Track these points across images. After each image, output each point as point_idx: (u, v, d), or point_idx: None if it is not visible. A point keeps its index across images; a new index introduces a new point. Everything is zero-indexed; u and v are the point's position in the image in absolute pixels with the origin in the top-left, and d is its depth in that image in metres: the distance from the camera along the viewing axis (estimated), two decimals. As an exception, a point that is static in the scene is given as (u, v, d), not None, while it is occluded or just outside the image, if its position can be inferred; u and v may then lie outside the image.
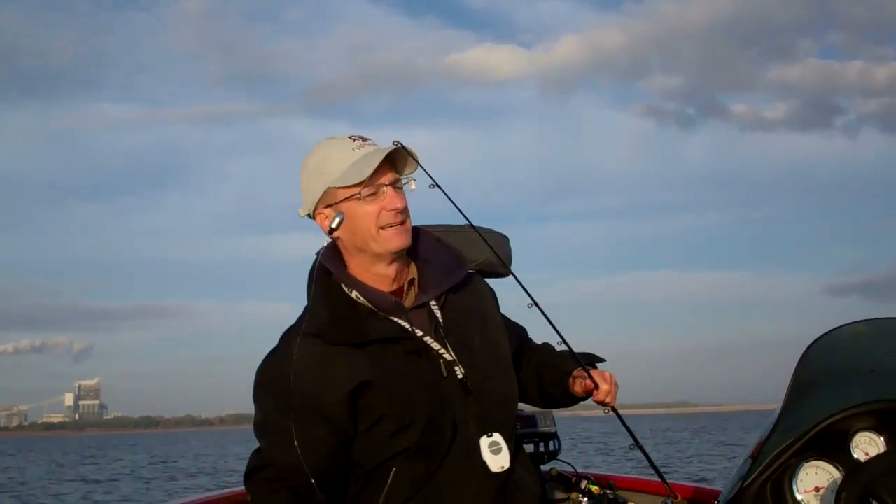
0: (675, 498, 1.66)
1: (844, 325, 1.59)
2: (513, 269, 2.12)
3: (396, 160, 1.49)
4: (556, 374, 1.69)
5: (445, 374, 1.47)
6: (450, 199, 1.65)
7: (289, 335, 1.53)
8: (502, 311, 1.72)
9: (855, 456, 1.48)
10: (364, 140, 1.48)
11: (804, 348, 1.58)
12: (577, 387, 1.62)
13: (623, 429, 1.59)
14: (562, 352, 1.72)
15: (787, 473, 1.48)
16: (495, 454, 1.46)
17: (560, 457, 2.43)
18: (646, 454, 1.61)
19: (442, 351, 1.48)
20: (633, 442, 1.63)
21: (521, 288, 1.65)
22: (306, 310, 1.54)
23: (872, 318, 1.58)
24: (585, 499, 2.10)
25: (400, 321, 1.48)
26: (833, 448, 1.48)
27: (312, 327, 1.48)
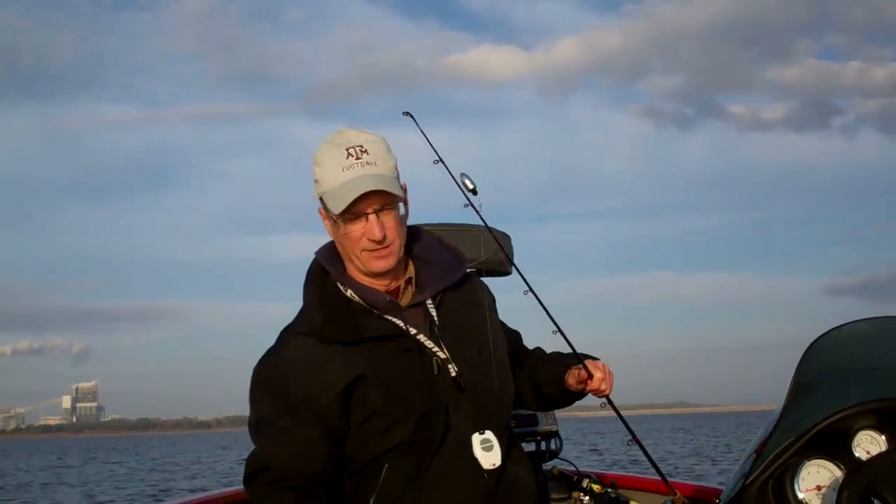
0: (675, 495, 1.67)
1: (846, 323, 1.59)
2: (512, 267, 2.12)
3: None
4: (549, 373, 1.69)
5: (437, 372, 1.47)
6: (451, 173, 1.67)
7: (284, 334, 1.53)
8: (502, 309, 1.72)
9: (856, 454, 1.48)
10: (359, 156, 1.45)
11: (804, 348, 1.58)
12: (571, 379, 1.62)
13: (621, 428, 1.59)
14: (554, 353, 1.73)
15: (788, 472, 1.48)
16: (487, 451, 1.46)
17: (561, 455, 2.44)
18: (643, 449, 1.62)
19: (435, 349, 1.49)
20: (630, 437, 1.64)
21: (520, 284, 1.66)
22: (300, 310, 1.55)
23: (876, 316, 1.58)
24: (587, 497, 2.11)
25: (394, 319, 1.49)
26: (834, 446, 1.48)
27: (306, 326, 1.49)
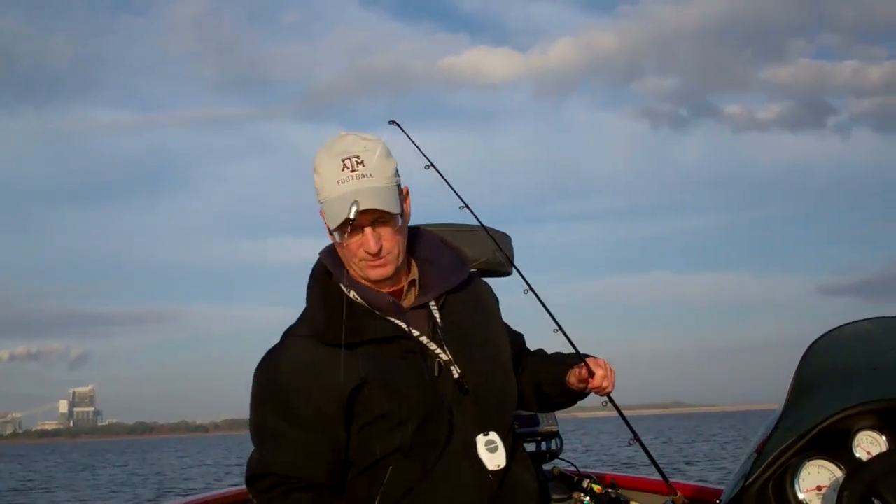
0: (676, 495, 1.67)
1: (847, 323, 1.59)
2: (513, 267, 2.13)
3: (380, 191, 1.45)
4: (551, 373, 1.69)
5: (437, 374, 1.47)
6: (444, 178, 1.67)
7: (286, 336, 1.53)
8: (503, 309, 1.72)
9: (857, 455, 1.48)
10: (355, 168, 1.42)
11: (803, 347, 1.58)
12: (573, 378, 1.62)
13: (621, 427, 1.60)
14: (555, 354, 1.73)
15: (788, 472, 1.48)
16: (492, 452, 1.46)
17: (561, 456, 2.44)
18: (645, 449, 1.62)
19: (438, 351, 1.49)
20: (632, 437, 1.64)
21: (520, 284, 1.67)
22: (303, 311, 1.54)
23: (877, 316, 1.58)
24: (588, 498, 2.11)
25: (397, 321, 1.48)
26: (835, 447, 1.47)
27: (308, 328, 1.49)
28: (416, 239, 1.58)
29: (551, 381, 1.69)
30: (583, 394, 1.67)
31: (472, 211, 1.76)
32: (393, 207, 1.43)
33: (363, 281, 1.51)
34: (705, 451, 23.29)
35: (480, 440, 1.47)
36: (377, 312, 1.49)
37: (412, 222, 1.57)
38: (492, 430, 1.48)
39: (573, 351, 1.67)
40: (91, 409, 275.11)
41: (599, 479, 2.24)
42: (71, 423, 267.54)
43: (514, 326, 1.77)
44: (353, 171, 1.42)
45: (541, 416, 2.33)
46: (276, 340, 1.54)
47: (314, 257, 1.59)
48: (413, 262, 1.57)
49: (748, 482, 1.49)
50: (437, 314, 1.53)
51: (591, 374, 1.58)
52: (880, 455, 1.43)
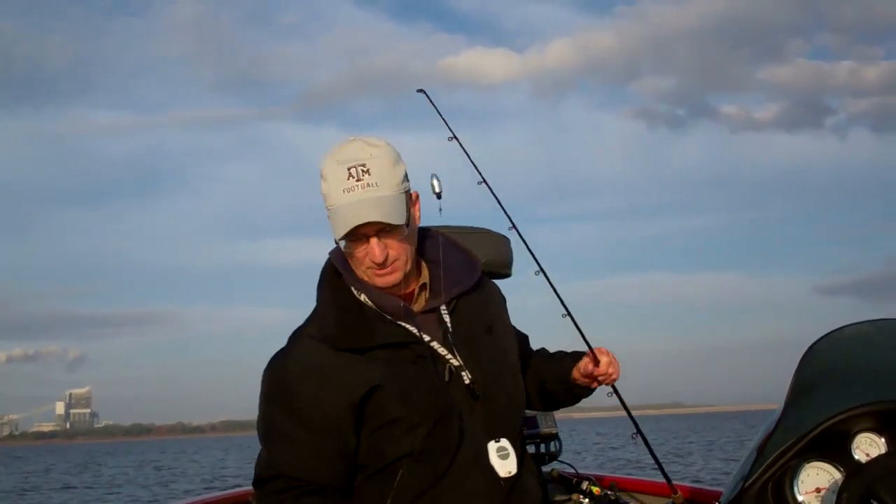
0: (675, 493, 1.67)
1: (847, 325, 1.59)
2: (512, 269, 2.13)
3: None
4: (555, 371, 1.69)
5: (448, 379, 1.46)
6: (465, 152, 1.72)
7: (296, 337, 1.51)
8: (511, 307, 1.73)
9: (856, 457, 1.47)
10: (360, 177, 1.40)
11: (801, 348, 1.58)
12: (577, 372, 1.62)
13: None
14: (558, 353, 1.74)
15: (788, 474, 1.48)
16: (503, 459, 1.46)
17: (560, 458, 2.44)
18: (647, 443, 1.62)
19: (449, 356, 1.48)
20: (635, 431, 1.65)
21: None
22: (312, 311, 1.53)
23: (876, 318, 1.59)
24: (587, 500, 2.11)
25: (408, 326, 1.47)
26: (834, 449, 1.47)
27: (319, 331, 1.47)
28: (427, 241, 1.57)
29: (556, 378, 1.69)
30: (588, 390, 1.67)
31: (489, 186, 1.78)
32: (398, 218, 1.41)
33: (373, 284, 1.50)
34: (704, 452, 23.30)
35: (492, 447, 1.46)
36: (388, 317, 1.48)
37: (425, 222, 1.56)
38: (503, 437, 1.48)
39: (575, 351, 1.68)
40: (87, 410, 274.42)
41: (599, 480, 2.24)
42: (67, 425, 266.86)
43: (523, 312, 1.76)
44: (358, 180, 1.40)
45: (540, 418, 2.33)
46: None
47: (312, 258, 1.59)
48: (423, 265, 1.55)
49: (747, 483, 1.48)
50: (447, 318, 1.52)
51: (597, 362, 1.59)
52: (879, 457, 1.43)
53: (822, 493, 1.45)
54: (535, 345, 1.80)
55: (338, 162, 1.43)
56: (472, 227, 1.92)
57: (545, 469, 2.36)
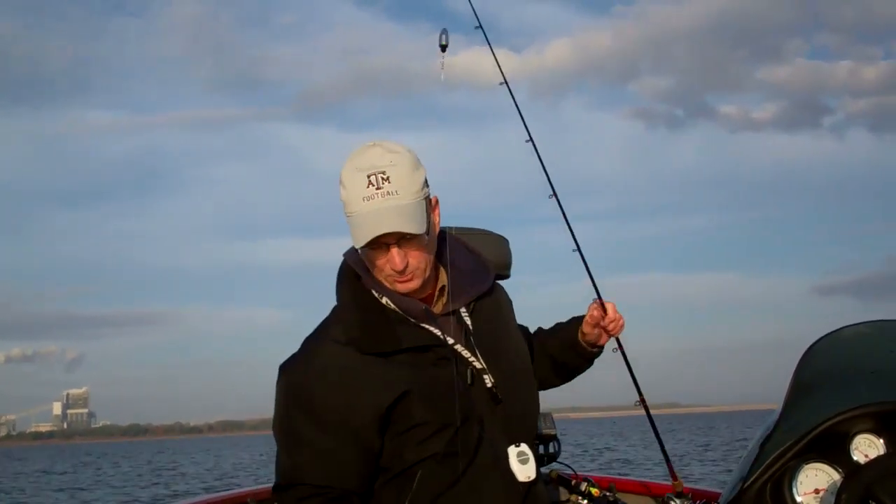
0: (675, 479, 1.67)
1: (846, 326, 1.59)
2: (512, 269, 2.14)
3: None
4: (561, 339, 1.71)
5: (471, 382, 1.46)
6: (514, 98, 1.79)
7: (317, 340, 1.50)
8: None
9: (855, 458, 1.47)
10: (380, 185, 1.38)
11: (799, 348, 1.58)
12: (586, 326, 1.66)
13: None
14: (556, 325, 1.77)
15: (786, 475, 1.48)
16: (523, 464, 1.46)
17: (559, 459, 2.44)
18: (648, 413, 1.64)
19: (472, 359, 1.48)
20: (638, 398, 1.67)
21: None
22: (333, 312, 1.52)
23: (875, 319, 1.59)
24: (586, 501, 2.11)
25: (431, 328, 1.47)
26: (833, 450, 1.47)
27: (342, 334, 1.46)
28: (444, 244, 1.56)
29: (564, 346, 1.71)
30: (598, 347, 1.70)
31: (535, 146, 1.82)
32: (418, 227, 1.40)
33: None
34: (701, 453, 23.31)
35: (512, 451, 1.46)
36: (411, 319, 1.47)
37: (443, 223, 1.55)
38: (522, 442, 1.48)
39: (572, 317, 1.72)
40: (85, 410, 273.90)
41: (598, 482, 2.24)
42: (65, 425, 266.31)
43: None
44: (378, 188, 1.39)
45: (539, 419, 2.33)
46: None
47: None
48: (440, 268, 1.55)
49: (746, 485, 1.48)
50: (468, 320, 1.52)
51: (605, 310, 1.63)
52: (878, 458, 1.43)
53: (821, 493, 1.45)
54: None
55: (357, 169, 1.41)
56: (471, 228, 1.92)
57: (544, 470, 2.36)
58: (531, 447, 1.49)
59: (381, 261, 1.43)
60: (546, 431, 2.36)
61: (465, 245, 1.61)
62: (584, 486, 2.14)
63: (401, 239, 1.40)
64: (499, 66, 1.85)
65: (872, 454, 1.47)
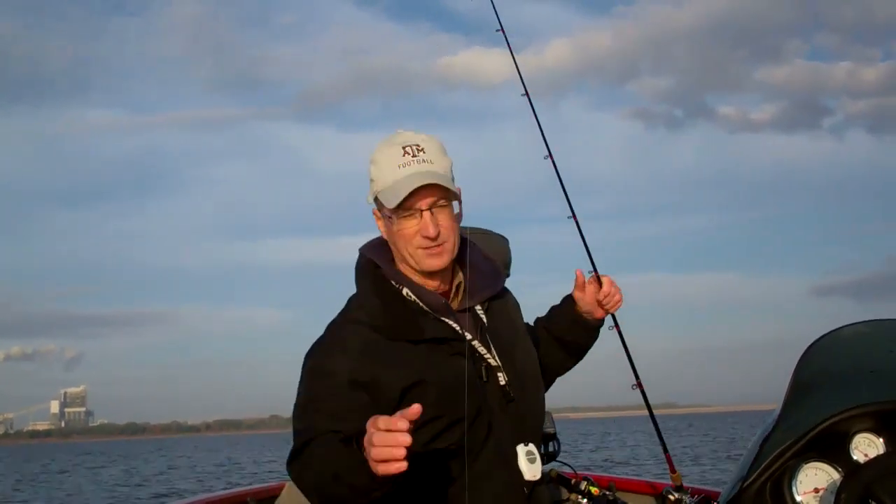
0: (674, 472, 1.68)
1: (845, 325, 1.59)
2: (511, 269, 2.15)
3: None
4: (563, 319, 1.73)
5: (486, 379, 1.48)
6: (560, 179, 1.81)
7: (338, 322, 1.51)
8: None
9: (854, 457, 1.47)
10: (416, 153, 1.44)
11: (798, 348, 1.59)
12: (576, 293, 1.69)
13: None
14: (551, 308, 1.79)
15: (786, 474, 1.48)
16: (531, 463, 1.48)
17: (558, 458, 2.44)
18: (644, 395, 1.65)
19: (487, 356, 1.49)
20: (635, 382, 1.68)
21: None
22: (353, 299, 1.53)
23: (874, 319, 1.59)
24: (585, 500, 2.12)
25: (450, 322, 1.48)
26: (832, 449, 1.47)
27: (366, 316, 1.47)
28: (462, 244, 1.58)
29: (566, 324, 1.73)
30: (599, 321, 1.73)
31: (554, 163, 1.82)
32: (453, 193, 1.45)
33: (414, 278, 1.51)
34: (701, 453, 23.32)
35: (521, 450, 1.47)
36: (430, 312, 1.49)
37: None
38: (531, 441, 1.50)
39: (566, 295, 1.74)
40: (82, 409, 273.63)
41: (597, 481, 2.24)
42: (62, 424, 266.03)
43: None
44: (414, 156, 1.44)
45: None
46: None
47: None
48: (457, 266, 1.57)
49: (746, 484, 1.49)
50: (483, 317, 1.54)
51: (600, 283, 1.67)
52: (878, 457, 1.43)
53: (821, 493, 1.45)
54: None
55: (391, 144, 1.47)
56: (472, 228, 1.92)
57: (544, 469, 2.37)
58: (538, 448, 1.51)
59: (411, 229, 1.45)
60: (546, 430, 2.36)
61: (480, 248, 1.64)
62: (583, 485, 2.14)
63: (434, 206, 1.43)
64: (520, 77, 1.88)
65: (872, 453, 1.47)
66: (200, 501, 2.32)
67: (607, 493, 2.16)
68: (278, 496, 2.62)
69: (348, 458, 1.25)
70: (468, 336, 1.47)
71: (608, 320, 1.75)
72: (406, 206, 1.42)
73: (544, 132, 1.84)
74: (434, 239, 1.44)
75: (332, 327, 1.52)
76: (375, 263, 1.52)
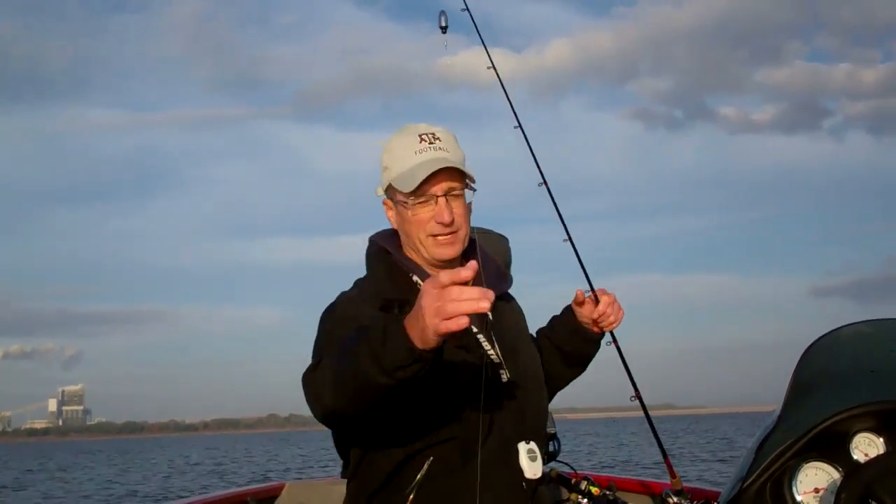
0: (674, 477, 1.68)
1: (845, 325, 1.59)
2: (511, 270, 2.15)
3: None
4: (563, 329, 1.73)
5: (490, 374, 1.48)
6: (502, 83, 1.83)
7: (353, 295, 1.52)
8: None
9: (854, 457, 1.47)
10: (432, 141, 1.46)
11: (800, 349, 1.59)
12: (584, 309, 1.68)
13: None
14: (551, 319, 1.79)
15: (786, 474, 1.48)
16: (532, 461, 1.48)
17: (559, 458, 2.44)
18: (643, 404, 1.65)
19: (491, 352, 1.49)
20: (633, 393, 1.68)
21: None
22: (364, 279, 1.55)
23: (874, 318, 1.59)
24: (585, 500, 2.11)
25: None
26: (833, 449, 1.47)
27: (377, 295, 1.48)
28: (471, 244, 1.59)
29: (567, 334, 1.72)
30: (599, 334, 1.72)
31: (524, 132, 1.82)
32: (468, 179, 1.46)
33: (423, 266, 1.52)
34: (699, 454, 23.33)
35: (523, 447, 1.48)
36: None
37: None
38: (532, 440, 1.50)
39: (566, 306, 1.74)
40: (80, 407, 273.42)
41: (597, 480, 2.24)
42: (60, 422, 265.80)
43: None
44: (430, 143, 1.46)
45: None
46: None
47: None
48: (463, 262, 1.57)
49: (746, 484, 1.49)
50: (490, 315, 1.54)
51: (597, 300, 1.66)
52: (878, 457, 1.43)
53: (821, 493, 1.45)
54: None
55: (407, 133, 1.48)
56: (472, 227, 1.92)
57: (544, 469, 2.37)
58: (540, 446, 1.51)
59: (426, 214, 1.45)
60: (546, 430, 2.37)
61: (486, 250, 1.65)
62: (583, 485, 2.14)
63: (448, 193, 1.44)
64: (486, 51, 1.86)
65: (872, 453, 1.47)
66: (200, 501, 2.31)
67: (607, 493, 2.16)
68: (278, 496, 2.62)
69: (384, 323, 1.20)
70: (474, 329, 1.47)
71: (607, 335, 1.74)
72: (422, 192, 1.43)
73: (538, 160, 1.84)
74: (448, 225, 1.45)
75: (347, 295, 1.53)
76: (387, 250, 1.53)
